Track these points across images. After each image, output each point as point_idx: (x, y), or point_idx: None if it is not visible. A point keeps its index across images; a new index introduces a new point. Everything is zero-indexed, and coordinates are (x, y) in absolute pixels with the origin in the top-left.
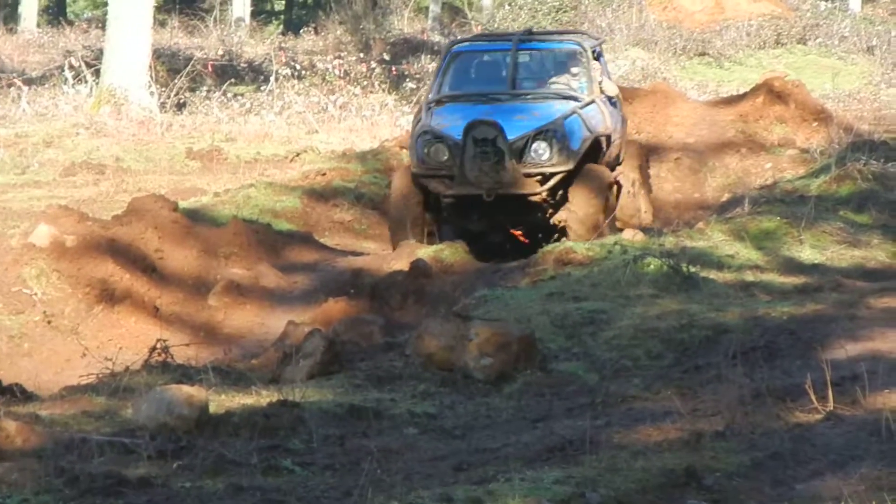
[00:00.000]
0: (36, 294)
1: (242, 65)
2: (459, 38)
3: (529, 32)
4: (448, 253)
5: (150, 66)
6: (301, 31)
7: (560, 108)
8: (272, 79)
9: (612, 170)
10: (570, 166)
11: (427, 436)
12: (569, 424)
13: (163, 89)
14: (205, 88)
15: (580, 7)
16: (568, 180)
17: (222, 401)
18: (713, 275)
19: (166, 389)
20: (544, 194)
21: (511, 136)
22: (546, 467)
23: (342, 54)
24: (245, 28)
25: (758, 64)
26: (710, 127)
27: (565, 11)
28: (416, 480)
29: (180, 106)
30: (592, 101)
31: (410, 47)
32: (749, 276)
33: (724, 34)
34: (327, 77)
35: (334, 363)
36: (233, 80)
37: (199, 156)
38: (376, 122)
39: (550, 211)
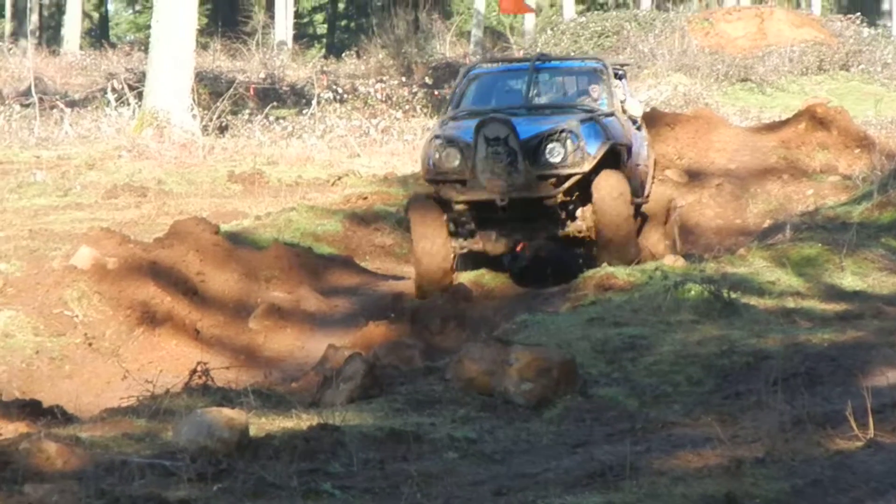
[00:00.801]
0: (77, 316)
1: (284, 88)
2: (476, 62)
3: (547, 57)
4: (489, 278)
5: (193, 89)
6: (343, 54)
7: (578, 115)
8: (314, 102)
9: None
10: (585, 169)
11: (467, 460)
12: (609, 450)
13: (205, 112)
14: (247, 111)
15: (622, 32)
16: (584, 187)
17: (262, 424)
18: (754, 301)
19: (207, 412)
20: (559, 198)
21: (524, 135)
22: (586, 493)
23: (384, 78)
24: (287, 51)
25: (800, 90)
26: (752, 153)
27: (608, 36)
28: None
29: (222, 129)
30: (612, 114)
31: (452, 71)
32: (790, 303)
33: (766, 60)
34: (369, 101)
35: (374, 387)
36: (275, 103)
37: (241, 179)
38: (418, 146)
39: (568, 221)
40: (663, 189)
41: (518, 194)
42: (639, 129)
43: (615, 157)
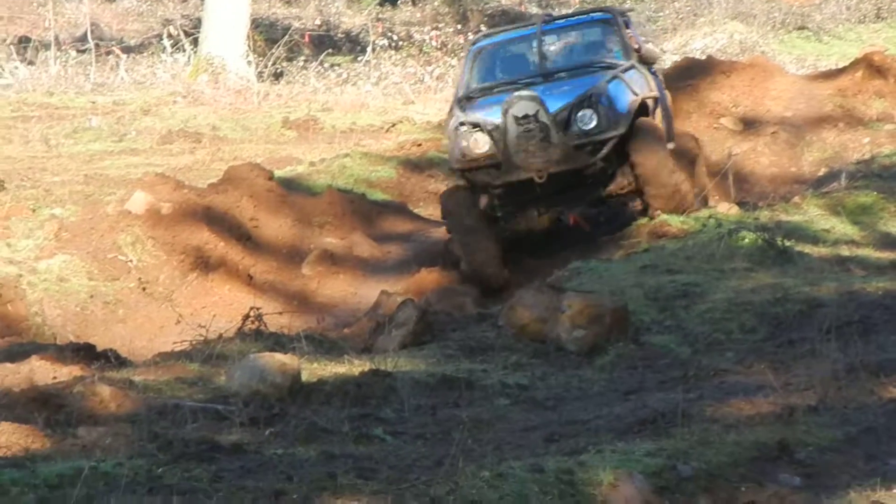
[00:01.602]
0: (131, 261)
1: (339, 35)
2: (480, 34)
3: (551, 17)
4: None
5: (248, 36)
6: (398, 1)
7: (599, 76)
8: (369, 49)
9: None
10: (621, 130)
11: (518, 407)
12: (661, 397)
13: (260, 59)
14: (302, 58)
15: None
16: (621, 147)
17: (315, 369)
18: (808, 249)
19: (259, 357)
20: (599, 165)
21: (553, 108)
22: (637, 439)
23: (439, 25)
24: None
25: (857, 38)
26: (807, 101)
27: None
28: (507, 451)
29: (277, 76)
30: (632, 66)
31: (508, 19)
32: (844, 251)
33: (823, 8)
34: (424, 48)
35: (426, 333)
36: (330, 50)
37: (296, 125)
38: None
39: (609, 182)
40: (684, 130)
41: (556, 168)
42: (655, 74)
43: (645, 112)
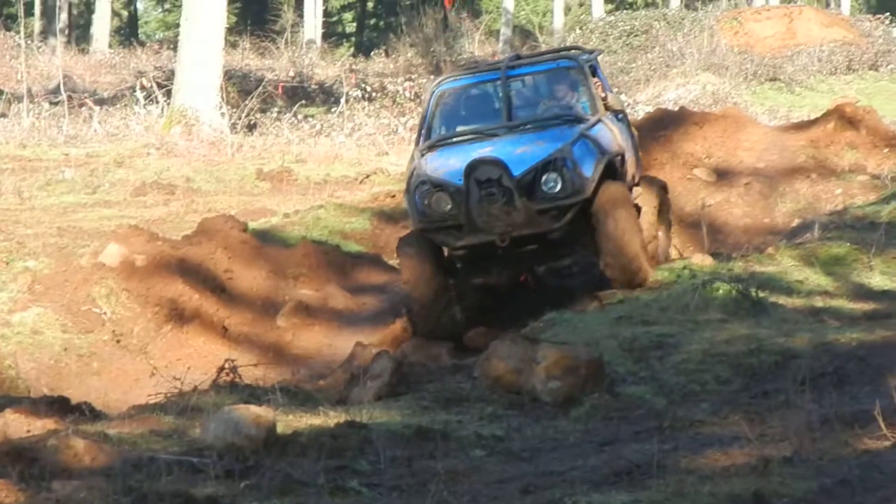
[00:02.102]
0: (105, 313)
1: (313, 86)
2: (442, 76)
3: (517, 57)
4: None
5: (222, 87)
6: (372, 53)
7: (565, 133)
8: (343, 100)
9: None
10: (586, 195)
11: (494, 458)
12: (636, 448)
13: (234, 110)
14: (275, 110)
15: (651, 31)
16: (587, 210)
17: (290, 421)
18: (782, 300)
19: (234, 409)
20: (562, 229)
21: (517, 172)
22: (613, 491)
23: (413, 76)
24: (316, 50)
25: (829, 90)
26: (780, 152)
27: (636, 35)
28: (483, 503)
29: (251, 127)
30: (599, 121)
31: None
32: (818, 302)
33: (795, 60)
34: (398, 99)
35: (402, 384)
36: (303, 101)
37: (270, 177)
38: None
39: (571, 249)
40: (652, 176)
41: (519, 232)
42: (622, 121)
43: (612, 169)
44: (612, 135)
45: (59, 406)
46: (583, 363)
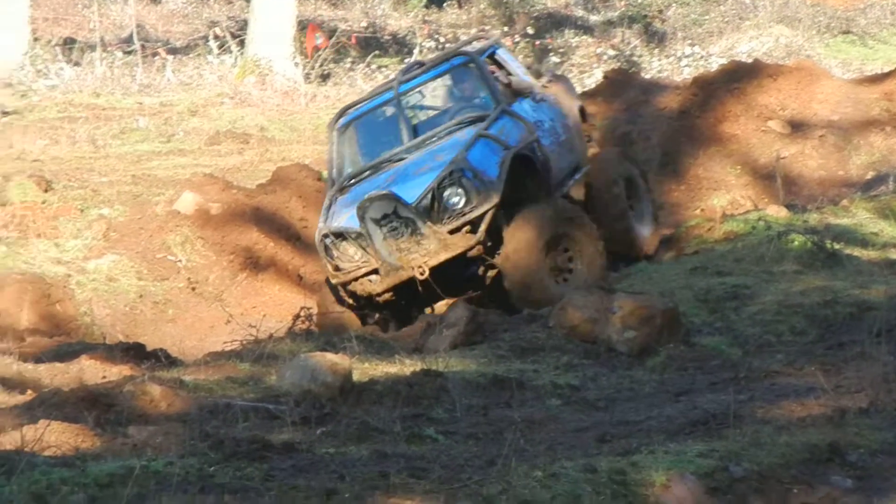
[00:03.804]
0: (180, 261)
1: (386, 37)
2: (339, 111)
3: (419, 65)
4: None
5: (295, 38)
6: (444, 4)
7: (464, 137)
8: (415, 51)
9: (574, 171)
10: (495, 200)
11: (570, 407)
12: (712, 398)
13: (307, 60)
14: (349, 60)
15: None
16: (500, 215)
17: (366, 369)
18: (857, 252)
19: (310, 357)
20: (483, 243)
21: (412, 199)
22: (689, 440)
23: (485, 28)
24: (389, 0)
25: None
26: (854, 105)
27: None
28: (560, 451)
29: (324, 77)
30: (501, 113)
31: (554, 21)
32: (893, 254)
33: (868, 13)
34: None
35: (477, 333)
36: (376, 52)
37: None
38: None
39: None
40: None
41: (437, 260)
42: (541, 100)
43: (525, 160)
44: (520, 124)
45: (134, 352)
46: (658, 313)
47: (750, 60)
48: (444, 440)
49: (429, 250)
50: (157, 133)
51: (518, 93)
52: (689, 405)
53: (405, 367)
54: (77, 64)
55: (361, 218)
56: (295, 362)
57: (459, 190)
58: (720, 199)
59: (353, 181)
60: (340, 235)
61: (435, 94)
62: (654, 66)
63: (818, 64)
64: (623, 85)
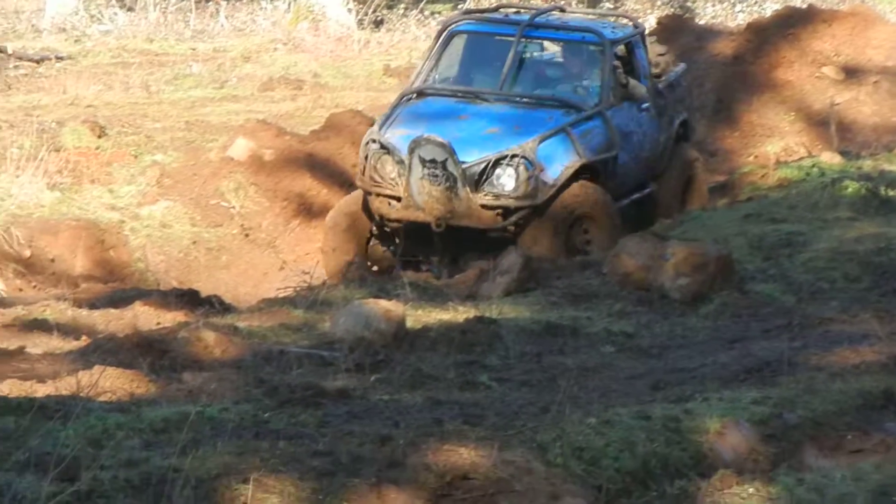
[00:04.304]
0: (234, 207)
1: None
2: (459, 17)
3: (559, 8)
4: None
5: None
6: None
7: (548, 122)
8: None
9: (639, 188)
10: (538, 201)
11: (623, 354)
12: (766, 345)
13: (360, 6)
14: (402, 6)
15: None
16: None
17: (419, 316)
18: None
19: (364, 303)
20: (505, 231)
21: (467, 159)
22: (743, 388)
23: None
24: None
25: None
26: None
27: None
28: (613, 398)
29: (378, 23)
30: (598, 114)
31: None
32: None
33: None
34: None
35: (530, 280)
36: None
37: (396, 73)
38: None
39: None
40: (689, 153)
41: (457, 222)
42: (645, 109)
43: (591, 172)
44: (607, 132)
45: (188, 299)
46: (712, 260)
47: (804, 6)
48: (498, 387)
49: (455, 210)
50: (211, 79)
51: (628, 97)
52: (743, 352)
53: (458, 314)
54: (130, 9)
55: (411, 151)
56: (349, 309)
57: (513, 174)
58: (774, 145)
59: (431, 93)
60: (386, 149)
61: (555, 55)
62: (707, 12)
63: (873, 9)
64: (677, 31)
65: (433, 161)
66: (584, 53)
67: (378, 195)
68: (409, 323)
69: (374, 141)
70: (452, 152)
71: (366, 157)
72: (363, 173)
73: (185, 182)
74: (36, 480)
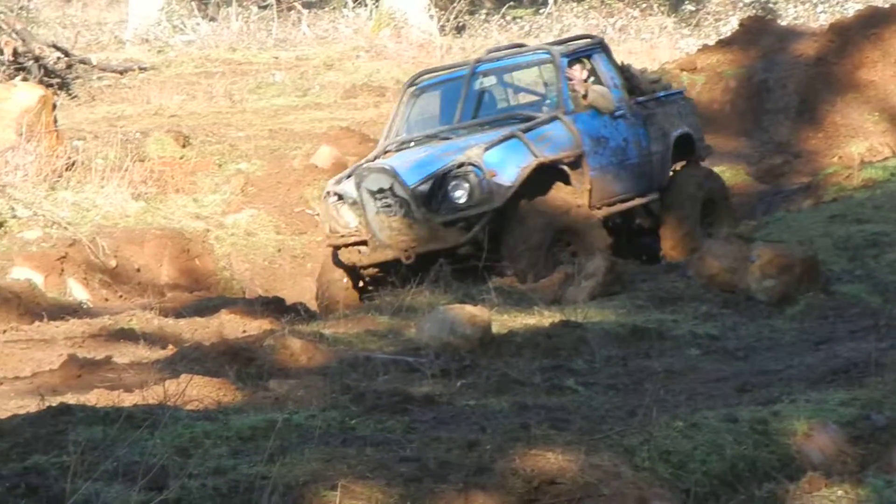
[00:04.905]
0: (318, 214)
1: None
2: (417, 74)
3: (516, 45)
4: (729, 175)
5: None
6: None
7: (496, 134)
8: (550, 2)
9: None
10: (495, 204)
11: (710, 357)
12: (852, 347)
13: (442, 13)
14: (483, 12)
15: None
16: (503, 220)
17: (504, 321)
18: None
19: (449, 309)
20: (474, 243)
21: (412, 181)
22: (830, 389)
23: None
24: None
25: None
26: None
27: None
28: (700, 401)
29: (459, 29)
30: (553, 119)
31: None
32: None
33: None
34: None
35: (616, 284)
36: (512, 3)
37: None
38: (655, 45)
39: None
40: (709, 169)
41: (425, 248)
42: (619, 117)
43: (555, 173)
44: (569, 135)
45: (273, 306)
46: (797, 261)
47: (887, 5)
48: (585, 391)
49: (418, 236)
50: (294, 87)
51: (591, 106)
52: (830, 353)
53: (544, 318)
54: (213, 19)
55: (357, 186)
56: (434, 315)
57: (465, 185)
58: (858, 146)
59: (397, 148)
60: (341, 197)
61: (509, 83)
62: (789, 13)
63: None
64: (759, 32)
65: (381, 190)
66: (536, 70)
67: (345, 246)
68: (495, 328)
69: (329, 194)
70: (396, 175)
71: (324, 212)
72: (329, 230)
73: (269, 190)
74: (124, 489)
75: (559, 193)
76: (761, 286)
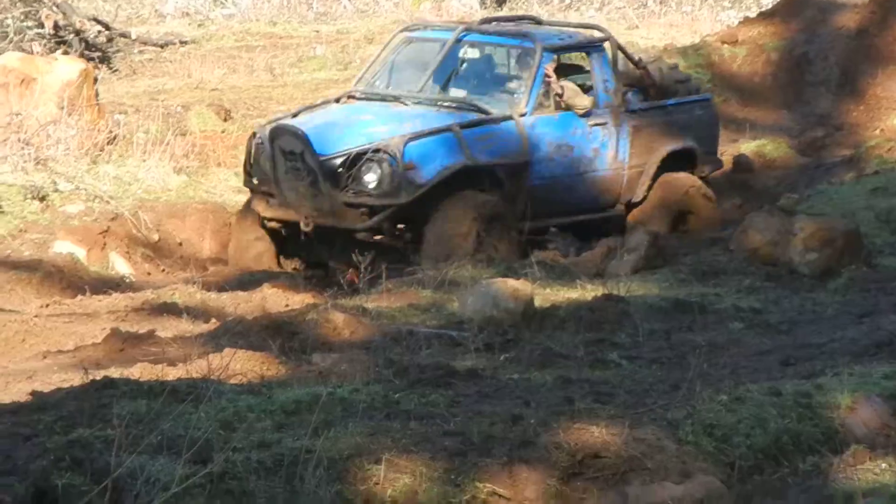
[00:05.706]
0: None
1: None
2: (417, 22)
3: (534, 20)
4: (770, 148)
5: None
6: None
7: (434, 122)
8: None
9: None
10: (402, 200)
11: (752, 330)
12: (895, 320)
13: None
14: None
15: None
16: (414, 218)
17: (547, 295)
18: None
19: (492, 283)
20: (377, 231)
21: (325, 152)
22: (874, 362)
23: None
24: None
25: None
26: None
27: None
28: (743, 374)
29: (500, 2)
30: (507, 119)
31: None
32: None
33: None
34: None
35: (658, 257)
36: None
37: None
38: (696, 18)
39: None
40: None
41: (323, 221)
42: (595, 125)
43: (490, 180)
44: (518, 140)
45: (316, 280)
46: (840, 234)
47: None
48: (628, 365)
49: (321, 209)
50: (335, 61)
51: (567, 107)
52: (873, 327)
53: (586, 292)
54: None
55: (272, 140)
56: (476, 289)
57: (377, 170)
58: None
59: (359, 97)
60: (263, 143)
61: (489, 59)
62: None
63: None
64: (800, 4)
65: (292, 153)
66: (513, 58)
67: (257, 191)
68: (538, 302)
69: (255, 134)
70: (308, 143)
71: (249, 152)
72: (245, 170)
73: None
74: (169, 463)
75: (477, 198)
76: (804, 259)
